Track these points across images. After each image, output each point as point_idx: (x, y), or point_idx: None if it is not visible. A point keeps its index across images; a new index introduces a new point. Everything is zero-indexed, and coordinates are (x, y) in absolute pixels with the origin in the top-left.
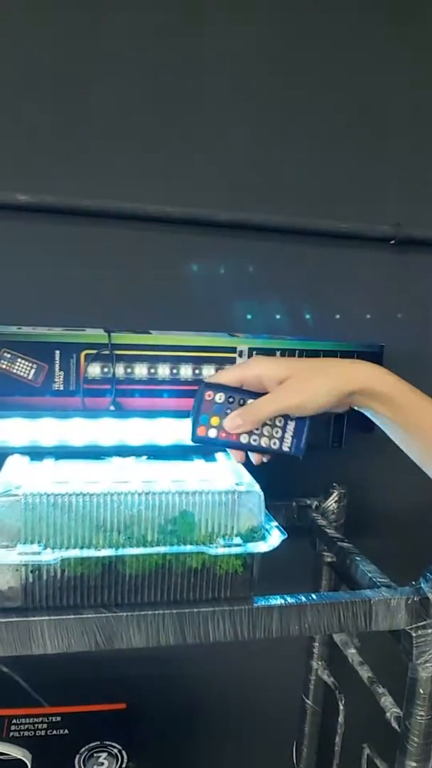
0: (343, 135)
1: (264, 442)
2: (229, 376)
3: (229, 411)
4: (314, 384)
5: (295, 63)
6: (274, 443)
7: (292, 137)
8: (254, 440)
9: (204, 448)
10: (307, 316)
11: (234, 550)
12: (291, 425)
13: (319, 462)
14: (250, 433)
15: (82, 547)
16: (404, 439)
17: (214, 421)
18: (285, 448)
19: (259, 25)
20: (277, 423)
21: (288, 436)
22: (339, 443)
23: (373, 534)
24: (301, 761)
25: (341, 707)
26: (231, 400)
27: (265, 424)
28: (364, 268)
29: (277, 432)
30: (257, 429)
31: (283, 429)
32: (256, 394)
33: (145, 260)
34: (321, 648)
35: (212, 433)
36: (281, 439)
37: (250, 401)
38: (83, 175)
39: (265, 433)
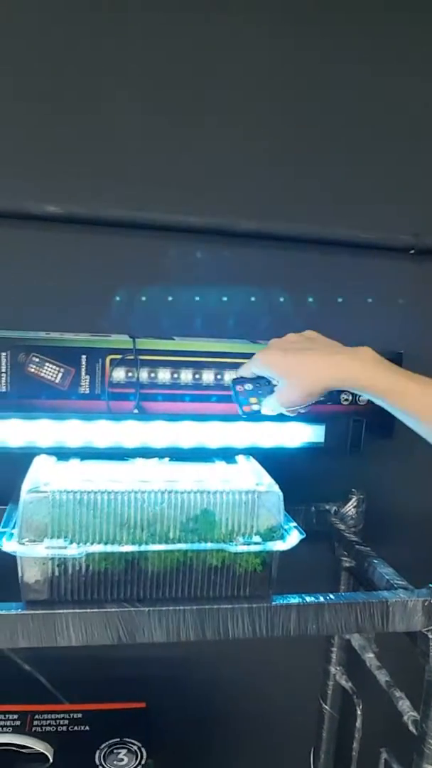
0: (363, 144)
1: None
2: (245, 372)
3: (260, 392)
4: (295, 389)
5: (313, 71)
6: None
7: (311, 147)
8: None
9: (224, 452)
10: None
11: (253, 549)
12: None
13: (338, 467)
14: None
15: (106, 543)
16: (407, 421)
17: (253, 400)
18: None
19: (272, 29)
20: None
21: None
22: (358, 448)
23: (392, 539)
24: (319, 765)
25: (359, 712)
26: (258, 384)
27: None
28: (384, 278)
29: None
30: None
31: None
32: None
33: (169, 269)
34: (339, 653)
35: (255, 407)
36: None
37: (274, 381)
38: (109, 186)
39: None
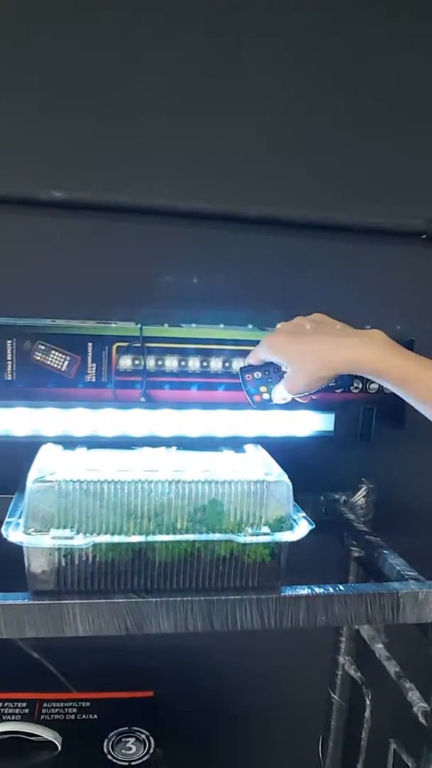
0: (373, 129)
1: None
2: (253, 359)
3: (270, 380)
4: (303, 377)
5: (326, 55)
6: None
7: (321, 132)
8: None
9: (232, 441)
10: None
11: (262, 539)
12: None
13: (348, 456)
14: None
15: (113, 534)
16: (418, 407)
17: (263, 389)
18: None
19: (286, 16)
20: None
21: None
22: (368, 437)
23: (402, 529)
24: (327, 755)
25: (368, 702)
26: (266, 372)
27: None
28: (395, 263)
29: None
30: None
31: None
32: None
33: (176, 255)
34: (348, 643)
35: (266, 396)
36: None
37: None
38: (116, 172)
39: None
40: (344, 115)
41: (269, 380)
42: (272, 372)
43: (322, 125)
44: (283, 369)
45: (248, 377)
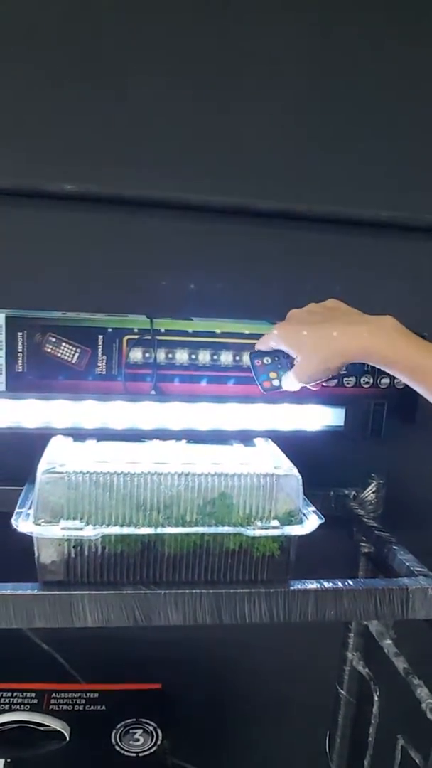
0: (386, 122)
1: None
2: (263, 345)
3: (280, 366)
4: (314, 364)
5: (339, 47)
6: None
7: (333, 125)
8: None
9: (242, 434)
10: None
11: (271, 533)
12: None
13: (358, 451)
14: None
15: (122, 525)
16: (428, 396)
17: (273, 375)
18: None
19: (296, 3)
20: None
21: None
22: (378, 432)
23: (412, 525)
24: (334, 751)
25: (375, 698)
26: (276, 358)
27: None
28: (407, 258)
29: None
30: None
31: None
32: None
33: (187, 248)
34: (356, 638)
35: (276, 383)
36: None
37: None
38: (126, 165)
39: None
40: (356, 108)
41: (279, 366)
42: (282, 358)
43: (333, 120)
44: (293, 356)
45: (258, 363)
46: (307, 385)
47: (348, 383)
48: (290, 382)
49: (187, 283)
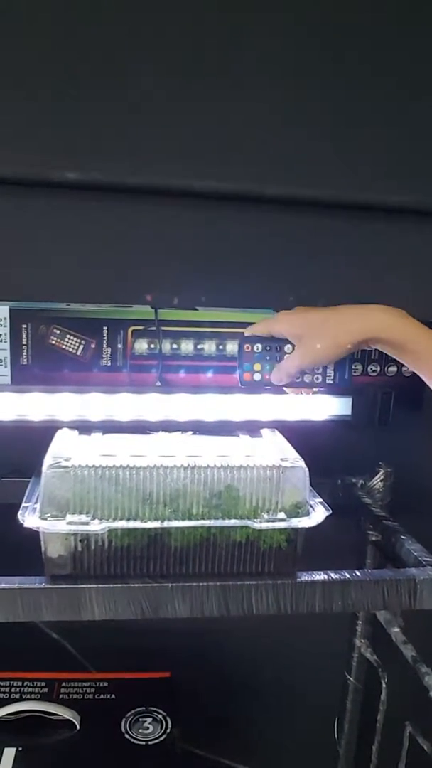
0: (394, 105)
1: (307, 378)
2: (259, 328)
3: (268, 358)
4: (323, 343)
5: (346, 30)
6: (317, 378)
7: (340, 107)
8: (297, 380)
9: (248, 425)
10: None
11: (278, 525)
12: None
13: (365, 440)
14: None
15: (128, 519)
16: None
17: (257, 367)
18: (329, 381)
19: None
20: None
21: (330, 370)
22: (385, 422)
23: (420, 514)
24: (343, 737)
25: (383, 685)
26: (268, 348)
27: None
28: (419, 244)
29: (318, 369)
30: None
31: (323, 367)
32: (287, 341)
33: (192, 237)
34: (364, 626)
35: (257, 377)
36: (324, 375)
37: (286, 349)
38: (129, 153)
39: (307, 372)
40: (366, 90)
41: (267, 358)
42: (273, 350)
43: (340, 101)
44: (287, 351)
45: (247, 348)
46: (289, 386)
47: (355, 372)
48: (286, 370)
49: (191, 273)
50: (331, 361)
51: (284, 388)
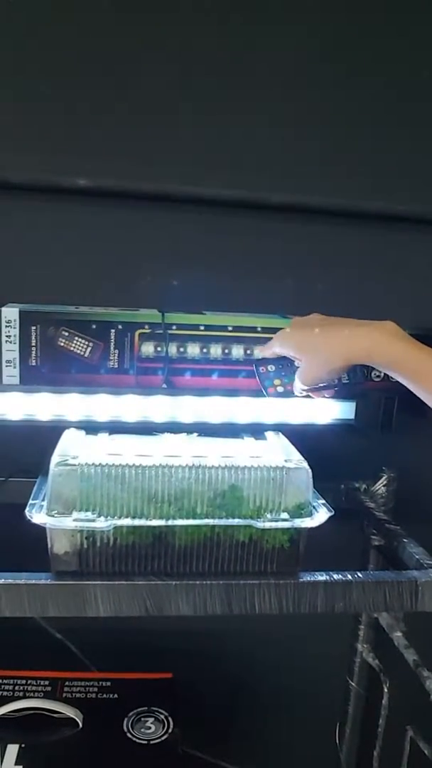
0: (400, 113)
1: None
2: (267, 353)
3: (283, 374)
4: (316, 364)
5: (351, 37)
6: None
7: (345, 114)
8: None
9: (253, 427)
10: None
11: (281, 525)
12: None
13: (369, 445)
14: None
15: (134, 517)
16: (427, 399)
17: (277, 382)
18: (344, 381)
19: None
20: None
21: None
22: (389, 426)
23: (423, 519)
24: (344, 742)
25: (385, 690)
26: (280, 366)
27: None
28: (423, 252)
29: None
30: None
31: None
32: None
33: (199, 242)
34: (366, 630)
35: (280, 389)
36: (339, 378)
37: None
38: (139, 159)
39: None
40: (370, 97)
41: (283, 374)
42: (286, 366)
43: (345, 109)
44: (296, 364)
45: (263, 369)
46: (312, 392)
47: (354, 384)
48: (295, 388)
49: (198, 277)
50: (328, 380)
51: (310, 395)
